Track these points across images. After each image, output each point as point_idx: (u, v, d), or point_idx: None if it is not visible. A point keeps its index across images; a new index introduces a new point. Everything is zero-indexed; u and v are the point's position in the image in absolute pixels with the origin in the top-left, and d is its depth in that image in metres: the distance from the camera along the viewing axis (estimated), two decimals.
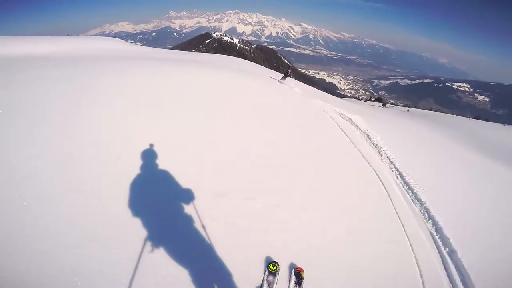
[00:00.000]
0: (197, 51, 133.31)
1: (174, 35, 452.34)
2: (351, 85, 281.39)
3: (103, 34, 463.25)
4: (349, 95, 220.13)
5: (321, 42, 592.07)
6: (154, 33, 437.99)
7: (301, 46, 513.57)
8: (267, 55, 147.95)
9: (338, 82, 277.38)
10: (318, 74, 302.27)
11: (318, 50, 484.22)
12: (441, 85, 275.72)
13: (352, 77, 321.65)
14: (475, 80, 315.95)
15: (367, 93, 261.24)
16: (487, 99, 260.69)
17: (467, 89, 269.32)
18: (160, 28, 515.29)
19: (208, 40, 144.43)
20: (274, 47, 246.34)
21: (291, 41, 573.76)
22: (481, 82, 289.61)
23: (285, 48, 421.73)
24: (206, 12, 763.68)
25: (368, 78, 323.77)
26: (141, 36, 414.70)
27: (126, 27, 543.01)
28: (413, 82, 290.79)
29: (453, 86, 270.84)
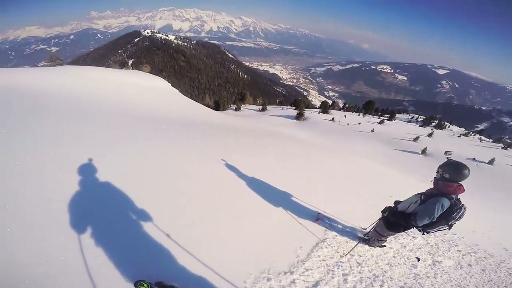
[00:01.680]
0: (125, 51, 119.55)
1: (98, 36, 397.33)
2: (291, 74, 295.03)
3: (6, 41, 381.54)
4: (290, 83, 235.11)
5: (261, 34, 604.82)
6: (72, 36, 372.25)
7: (243, 39, 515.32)
8: (209, 51, 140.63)
9: (280, 72, 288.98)
10: (261, 66, 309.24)
11: (259, 42, 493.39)
12: (367, 68, 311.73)
13: (291, 66, 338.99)
14: (393, 62, 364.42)
15: (307, 80, 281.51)
16: (405, 78, 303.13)
17: (388, 70, 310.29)
18: (80, 30, 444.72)
19: (138, 39, 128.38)
20: (216, 42, 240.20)
21: (232, 35, 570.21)
22: (398, 63, 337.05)
23: (227, 42, 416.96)
24: (136, 10, 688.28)
25: (306, 67, 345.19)
26: (56, 40, 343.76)
27: (36, 31, 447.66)
28: (344, 67, 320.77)
29: (377, 68, 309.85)
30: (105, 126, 5.24)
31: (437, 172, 2.52)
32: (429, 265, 3.39)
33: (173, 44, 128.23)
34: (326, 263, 2.97)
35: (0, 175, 2.77)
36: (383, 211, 2.97)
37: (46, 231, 2.29)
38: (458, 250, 3.94)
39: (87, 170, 3.31)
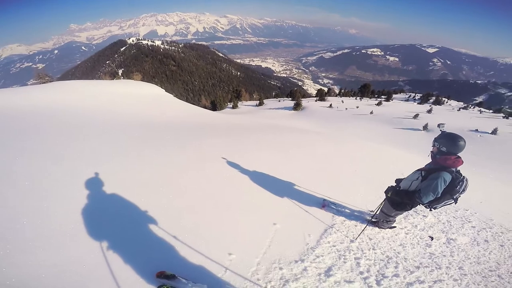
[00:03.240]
0: (113, 61, 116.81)
1: (82, 48, 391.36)
2: (284, 66, 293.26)
3: None
4: (284, 75, 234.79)
5: (249, 30, 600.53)
6: (56, 51, 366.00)
7: (231, 37, 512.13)
8: (199, 52, 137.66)
9: (273, 66, 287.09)
10: (253, 61, 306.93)
11: (248, 38, 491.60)
12: (358, 53, 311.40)
13: (283, 58, 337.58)
14: (383, 44, 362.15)
15: (300, 70, 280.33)
16: (397, 59, 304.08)
17: (379, 53, 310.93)
18: (63, 44, 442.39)
19: (124, 48, 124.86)
20: (204, 43, 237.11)
21: (220, 34, 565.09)
22: (388, 45, 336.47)
23: (216, 42, 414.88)
24: (117, 20, 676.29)
25: (297, 57, 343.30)
26: (41, 57, 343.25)
27: (18, 49, 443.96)
28: (335, 54, 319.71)
29: (368, 52, 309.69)
30: (113, 137, 5.45)
31: (433, 146, 2.54)
32: (443, 243, 3.33)
33: (161, 50, 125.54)
34: (336, 249, 2.95)
35: (13, 193, 2.83)
36: (386, 192, 2.92)
37: (65, 243, 2.36)
38: (472, 226, 3.86)
39: (96, 182, 3.39)
